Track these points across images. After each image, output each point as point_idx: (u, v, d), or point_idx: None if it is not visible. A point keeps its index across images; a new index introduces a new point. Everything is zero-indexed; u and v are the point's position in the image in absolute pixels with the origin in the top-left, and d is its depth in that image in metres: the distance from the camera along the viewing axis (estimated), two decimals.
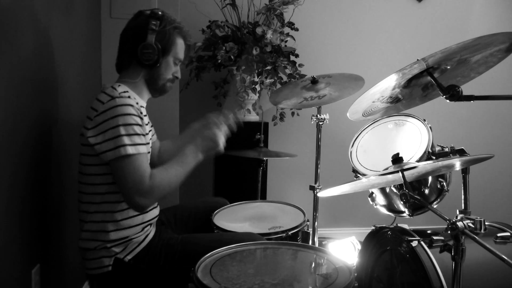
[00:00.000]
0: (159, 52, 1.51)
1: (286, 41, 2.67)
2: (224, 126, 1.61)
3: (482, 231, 1.06)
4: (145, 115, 1.59)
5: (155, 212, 1.61)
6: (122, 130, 1.38)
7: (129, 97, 1.45)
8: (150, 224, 1.57)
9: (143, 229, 1.53)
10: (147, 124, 1.60)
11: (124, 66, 1.58)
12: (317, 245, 2.12)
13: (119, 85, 1.51)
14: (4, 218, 1.28)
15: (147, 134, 1.51)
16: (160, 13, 1.54)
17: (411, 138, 1.85)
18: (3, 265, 1.27)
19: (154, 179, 1.40)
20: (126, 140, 1.37)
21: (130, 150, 1.37)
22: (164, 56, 1.54)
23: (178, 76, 1.64)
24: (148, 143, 1.49)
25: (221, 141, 1.55)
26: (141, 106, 1.56)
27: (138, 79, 1.56)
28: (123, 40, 1.57)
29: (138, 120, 1.42)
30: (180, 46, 1.59)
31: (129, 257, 1.47)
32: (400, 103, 1.45)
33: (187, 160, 1.50)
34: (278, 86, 2.61)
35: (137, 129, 1.41)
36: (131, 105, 1.42)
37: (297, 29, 2.70)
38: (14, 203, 1.34)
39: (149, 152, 1.54)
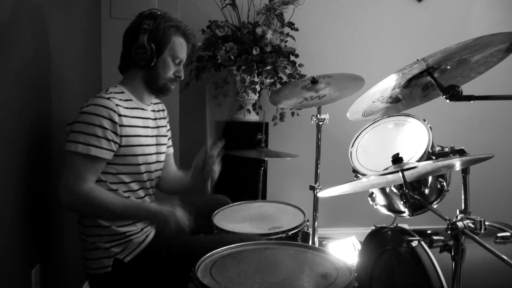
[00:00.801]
0: (153, 51, 1.49)
1: (286, 41, 2.67)
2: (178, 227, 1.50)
3: (482, 231, 1.06)
4: (145, 118, 1.58)
5: None
6: (83, 128, 1.39)
7: (109, 98, 1.43)
8: (150, 225, 1.57)
9: (142, 229, 1.53)
10: (147, 127, 1.58)
11: (124, 68, 1.59)
12: (317, 245, 2.12)
13: (115, 86, 1.53)
14: (4, 218, 1.28)
15: (126, 136, 1.47)
16: (158, 12, 1.53)
17: (411, 138, 1.85)
18: (3, 265, 1.27)
19: (91, 191, 1.38)
20: (81, 137, 1.38)
21: (80, 148, 1.37)
22: (159, 55, 1.52)
23: (181, 76, 1.59)
24: (111, 150, 1.42)
25: (177, 228, 1.48)
26: (136, 108, 1.55)
27: (137, 81, 1.56)
28: (123, 42, 1.57)
29: (105, 123, 1.40)
30: (178, 45, 1.55)
31: (128, 258, 1.47)
32: (400, 103, 1.45)
33: (132, 212, 1.48)
34: (278, 86, 2.62)
35: (99, 131, 1.39)
36: (105, 107, 1.41)
37: (297, 29, 2.70)
38: (14, 204, 1.34)
39: (137, 155, 1.51)
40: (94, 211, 1.43)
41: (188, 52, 1.61)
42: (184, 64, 1.65)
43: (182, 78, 1.62)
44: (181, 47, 1.57)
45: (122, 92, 1.52)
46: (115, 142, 1.43)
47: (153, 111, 1.66)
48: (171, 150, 1.79)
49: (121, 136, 1.45)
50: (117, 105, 1.44)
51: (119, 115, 1.44)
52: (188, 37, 1.58)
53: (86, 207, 1.41)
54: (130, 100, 1.54)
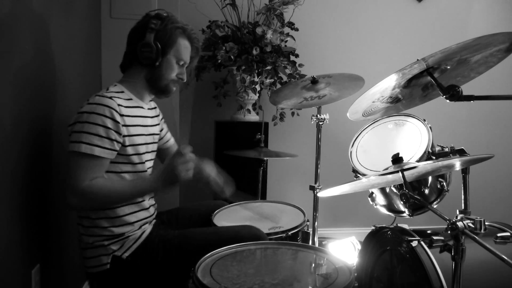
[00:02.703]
0: (158, 51, 1.50)
1: (286, 41, 2.67)
2: (190, 159, 1.43)
3: (482, 231, 1.05)
4: (145, 116, 1.59)
5: (151, 210, 1.62)
6: (86, 128, 1.38)
7: (111, 97, 1.44)
8: (147, 222, 1.58)
9: (140, 226, 1.53)
10: (148, 126, 1.59)
11: (126, 66, 1.59)
12: (317, 245, 2.12)
13: (115, 85, 1.54)
14: (4, 218, 1.28)
15: (128, 136, 1.47)
16: (164, 14, 1.54)
17: (411, 138, 1.85)
18: (3, 265, 1.27)
19: (93, 185, 1.37)
20: (83, 137, 1.38)
21: (83, 148, 1.37)
22: (164, 56, 1.53)
23: (183, 78, 1.61)
24: (115, 150, 1.43)
25: (184, 172, 1.40)
26: (137, 107, 1.56)
27: (139, 79, 1.56)
28: (127, 41, 1.58)
29: (108, 122, 1.40)
30: (183, 47, 1.57)
31: (126, 254, 1.48)
32: (400, 103, 1.45)
33: (142, 185, 1.47)
34: (278, 86, 2.62)
35: (102, 131, 1.39)
36: (107, 106, 1.41)
37: (297, 29, 2.70)
38: (14, 203, 1.34)
39: (141, 154, 1.53)
40: (105, 202, 1.43)
41: (192, 55, 1.63)
42: (189, 67, 1.66)
43: (185, 81, 1.63)
44: (185, 49, 1.58)
45: (122, 92, 1.53)
46: (118, 142, 1.43)
47: (149, 109, 1.67)
48: (173, 140, 1.84)
49: (125, 136, 1.46)
50: (119, 104, 1.45)
51: (121, 115, 1.44)
52: (193, 40, 1.60)
53: (94, 201, 1.40)
54: (131, 99, 1.55)
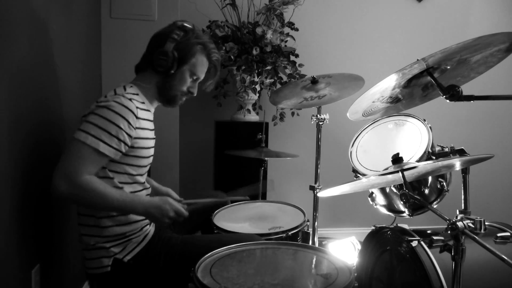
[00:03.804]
0: (174, 60, 1.51)
1: (286, 41, 2.68)
2: (176, 213, 1.48)
3: (482, 231, 1.05)
4: (149, 120, 1.59)
5: None
6: (99, 122, 1.38)
7: (130, 99, 1.45)
8: (149, 223, 1.58)
9: (142, 228, 1.53)
10: (152, 130, 1.59)
11: (141, 69, 1.59)
12: (317, 245, 2.12)
13: (131, 86, 1.53)
14: (4, 219, 1.28)
15: (139, 139, 1.48)
16: (190, 27, 1.55)
17: (411, 138, 1.85)
18: (3, 265, 1.27)
19: (91, 182, 1.36)
20: (93, 130, 1.37)
21: (89, 140, 1.36)
22: (179, 67, 1.53)
23: (194, 92, 1.61)
24: (119, 151, 1.42)
25: (167, 219, 1.46)
26: (147, 110, 1.56)
27: (151, 85, 1.56)
28: (148, 45, 1.58)
29: (123, 124, 1.40)
30: (200, 63, 1.57)
31: (128, 257, 1.47)
32: (400, 103, 1.45)
33: (129, 205, 1.43)
34: (278, 86, 2.62)
35: (113, 129, 1.39)
36: (127, 108, 1.42)
37: (297, 29, 2.70)
38: (14, 204, 1.34)
39: (145, 156, 1.53)
40: (92, 201, 1.39)
41: (209, 72, 1.64)
42: (204, 84, 1.67)
43: (195, 95, 1.63)
44: (202, 65, 1.59)
45: (137, 94, 1.53)
46: (125, 144, 1.43)
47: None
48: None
49: (135, 138, 1.46)
50: (136, 107, 1.46)
51: (137, 118, 1.45)
52: (211, 59, 1.60)
53: (85, 196, 1.36)
54: (143, 102, 1.55)
